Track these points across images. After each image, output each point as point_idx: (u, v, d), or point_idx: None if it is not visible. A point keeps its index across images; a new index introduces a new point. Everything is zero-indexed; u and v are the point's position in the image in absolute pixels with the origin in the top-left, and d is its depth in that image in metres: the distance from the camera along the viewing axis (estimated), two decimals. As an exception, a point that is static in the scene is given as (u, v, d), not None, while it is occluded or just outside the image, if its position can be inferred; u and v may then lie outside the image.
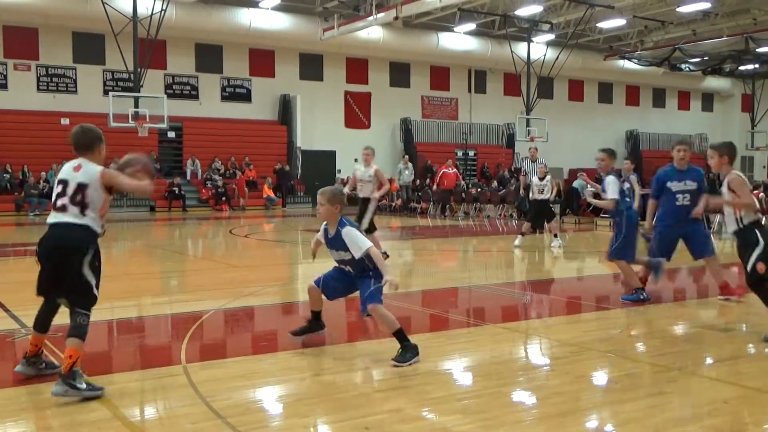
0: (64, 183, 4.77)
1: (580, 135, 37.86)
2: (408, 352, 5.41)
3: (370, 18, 27.49)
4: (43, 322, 4.93)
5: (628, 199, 8.38)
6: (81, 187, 4.73)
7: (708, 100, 44.72)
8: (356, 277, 5.67)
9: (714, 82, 42.83)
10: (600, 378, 5.26)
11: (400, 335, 5.48)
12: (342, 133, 32.60)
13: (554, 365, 5.54)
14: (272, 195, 29.05)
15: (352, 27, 28.77)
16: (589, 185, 10.47)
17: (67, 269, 4.64)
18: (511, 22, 31.24)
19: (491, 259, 13.28)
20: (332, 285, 5.89)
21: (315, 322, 6.12)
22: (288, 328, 6.32)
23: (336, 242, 5.64)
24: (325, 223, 5.72)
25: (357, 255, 5.50)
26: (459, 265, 12.35)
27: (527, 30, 31.54)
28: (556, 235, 14.75)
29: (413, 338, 5.67)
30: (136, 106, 24.60)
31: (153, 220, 23.47)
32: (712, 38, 31.62)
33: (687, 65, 35.96)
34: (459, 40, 32.77)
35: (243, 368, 5.34)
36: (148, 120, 24.57)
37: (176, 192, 27.58)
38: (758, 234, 6.27)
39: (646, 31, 33.86)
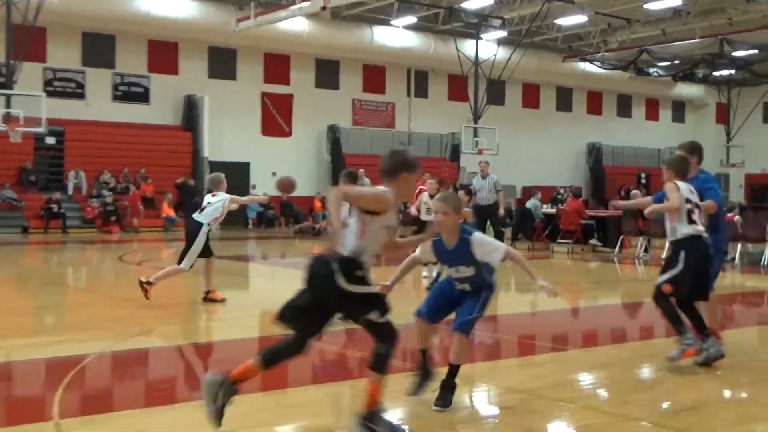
0: None
1: (536, 147, 38.64)
2: (451, 393, 5.62)
3: (293, 7, 27.58)
4: None
5: None
6: None
7: (679, 109, 46.29)
8: (466, 296, 5.64)
9: (686, 90, 44.37)
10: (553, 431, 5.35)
11: (456, 372, 5.64)
12: (258, 141, 32.49)
13: (501, 416, 5.62)
14: (172, 214, 28.66)
15: (271, 17, 28.80)
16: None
17: None
18: (458, 17, 31.81)
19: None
20: (439, 303, 5.77)
21: (426, 369, 5.78)
22: (190, 373, 6.23)
23: (457, 256, 5.54)
24: (433, 238, 5.60)
25: (498, 259, 5.42)
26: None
27: (475, 26, 32.15)
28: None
29: (349, 387, 5.64)
30: (8, 105, 24.03)
31: (25, 244, 22.88)
32: (683, 39, 32.79)
33: (655, 69, 37.19)
34: (397, 35, 33.16)
35: (132, 424, 5.24)
36: (22, 122, 24.00)
37: (55, 210, 26.96)
38: (682, 255, 6.81)
39: (610, 30, 34.89)
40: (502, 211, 18.47)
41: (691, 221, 6.87)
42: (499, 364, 7.53)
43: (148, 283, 10.28)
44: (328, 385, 6.41)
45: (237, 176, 30.92)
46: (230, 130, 31.76)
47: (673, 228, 6.94)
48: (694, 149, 7.78)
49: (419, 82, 36.66)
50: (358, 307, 4.74)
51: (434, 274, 13.73)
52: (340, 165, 33.34)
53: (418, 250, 5.84)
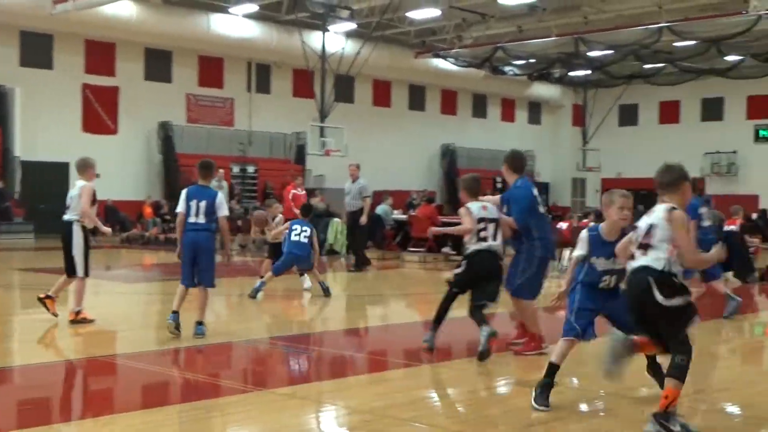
0: None
1: (387, 148, 39.26)
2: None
3: (119, -10, 26.89)
4: None
5: None
6: None
7: (535, 110, 48.16)
8: (613, 298, 6.56)
9: (542, 90, 46.19)
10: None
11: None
12: (79, 139, 31.44)
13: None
14: (-22, 221, 27.33)
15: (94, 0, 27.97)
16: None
17: None
18: (303, 6, 31.92)
19: (276, 305, 13.41)
20: (593, 319, 6.64)
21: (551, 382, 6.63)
22: (4, 405, 6.03)
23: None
24: (593, 229, 6.63)
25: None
26: (235, 315, 12.36)
27: (322, 16, 32.36)
28: (302, 273, 15.04)
29: (164, 412, 5.61)
30: None
31: None
32: (539, 38, 34.14)
33: (511, 68, 38.53)
34: (236, 24, 32.94)
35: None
36: None
37: None
38: (465, 264, 8.59)
39: (464, 25, 35.89)
40: (364, 219, 18.62)
41: (480, 239, 8.46)
42: (347, 382, 7.67)
43: (48, 298, 10.29)
44: (151, 411, 6.37)
45: (54, 178, 29.84)
46: (46, 127, 30.60)
47: (465, 244, 8.57)
48: (508, 158, 9.33)
49: (261, 77, 36.53)
50: (674, 321, 5.68)
51: (307, 285, 13.86)
52: (172, 166, 32.79)
53: (579, 250, 6.63)
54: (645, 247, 5.70)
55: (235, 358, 9.02)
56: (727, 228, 17.09)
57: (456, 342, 10.26)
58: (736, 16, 28.64)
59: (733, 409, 6.84)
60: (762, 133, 42.39)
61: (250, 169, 34.87)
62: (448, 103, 43.54)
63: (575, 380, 7.86)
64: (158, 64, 33.80)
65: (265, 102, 36.38)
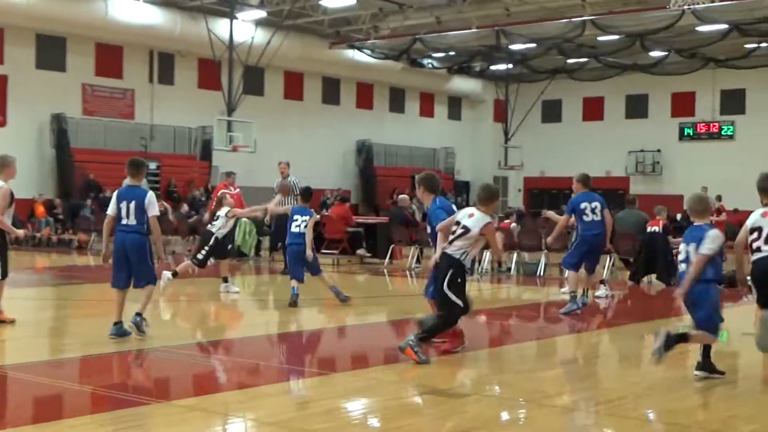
0: None
1: (299, 144, 39.12)
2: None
3: (8, -30, 26.28)
4: None
5: None
6: None
7: (455, 105, 48.61)
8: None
9: (462, 84, 46.66)
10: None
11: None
12: (-38, 132, 30.63)
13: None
14: None
15: (-21, -19, 27.26)
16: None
17: None
18: (209, -9, 31.68)
19: (191, 311, 13.30)
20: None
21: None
22: None
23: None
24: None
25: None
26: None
27: (229, 3, 32.12)
28: (225, 279, 14.95)
29: (53, 427, 5.52)
30: None
31: None
32: (459, 29, 34.48)
33: (430, 61, 38.86)
34: (136, 9, 32.45)
35: None
36: None
37: None
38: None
39: (381, 15, 36.02)
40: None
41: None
42: (257, 392, 7.66)
43: None
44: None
45: (-65, 174, 28.95)
46: (-74, 118, 29.69)
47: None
48: (424, 181, 9.84)
49: (164, 67, 36.06)
50: None
51: (234, 289, 13.85)
52: (66, 161, 32.14)
53: (711, 249, 7.88)
54: None
55: (136, 367, 8.92)
56: (649, 229, 17.56)
57: (372, 349, 10.32)
58: (660, 10, 29.39)
59: (654, 416, 7.05)
60: (687, 131, 43.58)
61: (152, 165, 34.32)
62: (364, 97, 43.64)
63: (497, 388, 8.01)
64: (51, 51, 33.08)
65: (168, 94, 35.93)
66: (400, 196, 25.60)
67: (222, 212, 14.51)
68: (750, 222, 8.53)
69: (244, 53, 32.41)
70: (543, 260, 19.77)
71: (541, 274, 19.52)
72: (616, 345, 10.81)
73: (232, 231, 16.43)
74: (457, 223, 9.12)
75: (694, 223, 8.33)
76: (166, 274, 13.63)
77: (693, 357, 10.33)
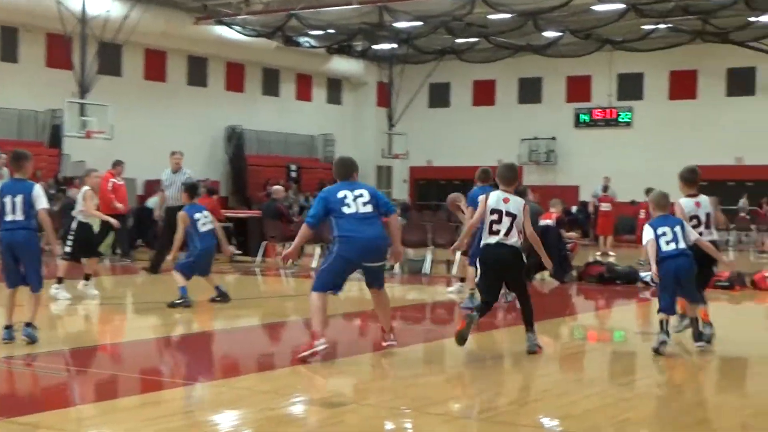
0: None
1: (162, 131, 38.57)
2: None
3: None
4: None
5: None
6: None
7: (335, 88, 48.67)
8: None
9: (342, 65, 46.70)
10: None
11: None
12: None
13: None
14: None
15: None
16: None
17: None
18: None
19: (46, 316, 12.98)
20: None
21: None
22: None
23: None
24: None
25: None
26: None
27: (82, -29, 31.46)
28: (87, 277, 14.77)
29: None
30: None
31: None
32: (338, 5, 34.50)
33: (307, 39, 38.78)
34: (-26, -23, 31.49)
35: None
36: None
37: None
38: None
39: (252, -12, 35.78)
40: None
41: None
42: (115, 405, 7.56)
43: None
44: None
45: None
46: None
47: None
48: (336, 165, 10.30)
49: (6, 42, 35.03)
50: None
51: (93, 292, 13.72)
52: None
53: None
54: None
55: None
56: (542, 222, 17.96)
57: (243, 356, 10.31)
58: (554, -13, 30.05)
59: (548, 421, 7.24)
60: (582, 117, 44.54)
61: (-7, 153, 33.43)
62: (235, 79, 43.28)
63: (378, 395, 8.09)
64: None
65: (11, 73, 34.91)
66: (274, 188, 25.52)
67: (80, 195, 14.57)
68: (687, 212, 10.74)
69: (98, 28, 31.76)
70: (429, 257, 19.98)
71: (427, 272, 19.73)
72: (508, 347, 11.03)
73: (102, 229, 16.30)
74: (498, 212, 9.88)
75: (658, 216, 10.46)
76: (83, 283, 14.20)
77: (589, 357, 10.67)
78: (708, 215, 10.89)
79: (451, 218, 22.48)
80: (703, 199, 10.92)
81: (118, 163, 21.42)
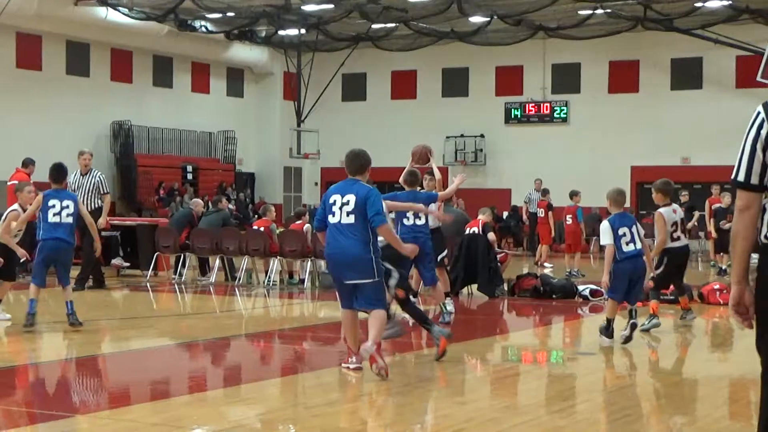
0: None
1: (36, 126, 38.06)
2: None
3: None
4: None
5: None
6: None
7: (236, 79, 48.39)
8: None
9: (244, 53, 46.48)
10: None
11: None
12: None
13: None
14: None
15: None
16: None
17: None
18: None
19: None
20: None
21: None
22: None
23: None
24: None
25: None
26: None
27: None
28: None
29: None
30: None
31: None
32: (239, -15, 34.45)
33: (203, 24, 38.56)
34: None
35: None
36: None
37: None
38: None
39: (141, -35, 35.50)
40: (103, 222, 18.17)
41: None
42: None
43: None
44: None
45: None
46: None
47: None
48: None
49: None
50: None
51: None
52: None
53: None
54: None
55: None
56: (468, 231, 18.09)
57: (132, 383, 10.20)
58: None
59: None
60: (514, 112, 44.90)
61: None
62: (121, 68, 42.81)
63: (284, 425, 8.06)
64: None
65: None
66: (194, 200, 25.33)
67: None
68: (668, 220, 13.23)
69: (-38, 9, 31.22)
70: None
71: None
72: (430, 371, 11.07)
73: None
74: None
75: (614, 213, 12.11)
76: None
77: (522, 381, 10.78)
78: (682, 220, 13.60)
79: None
80: (676, 206, 13.63)
81: (30, 163, 21.34)
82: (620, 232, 11.76)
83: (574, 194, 24.54)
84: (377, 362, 9.73)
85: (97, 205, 18.47)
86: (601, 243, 12.17)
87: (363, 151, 10.62)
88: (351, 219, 9.84)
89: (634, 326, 12.07)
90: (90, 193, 18.61)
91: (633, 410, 9.13)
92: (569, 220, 24.53)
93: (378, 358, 9.74)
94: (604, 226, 11.96)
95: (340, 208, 9.91)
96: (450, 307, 14.36)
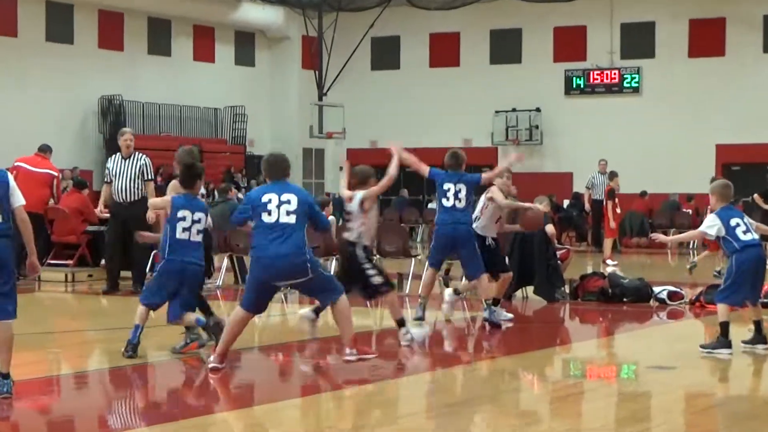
0: None
1: (13, 101, 38.20)
2: None
3: None
4: None
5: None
6: None
7: (246, 44, 48.24)
8: None
9: (256, 13, 46.34)
10: None
11: None
12: None
13: None
14: None
15: None
16: None
17: None
18: None
19: None
20: None
21: None
22: None
23: None
24: None
25: None
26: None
27: None
28: None
29: None
30: None
31: None
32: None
33: (207, -21, 38.55)
34: None
35: None
36: None
37: None
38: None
39: None
40: (152, 215, 18.43)
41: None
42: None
43: None
44: None
45: None
46: None
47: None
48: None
49: None
50: None
51: None
52: None
53: None
54: None
55: None
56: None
57: (129, 404, 10.23)
58: None
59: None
60: (576, 81, 44.59)
61: None
62: (110, 33, 42.86)
63: None
64: None
65: None
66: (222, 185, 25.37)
67: None
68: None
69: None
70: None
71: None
72: (480, 388, 11.05)
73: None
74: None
75: (722, 207, 12.40)
76: None
77: (587, 400, 10.74)
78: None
79: (402, 218, 22.44)
80: None
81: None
82: (732, 222, 12.15)
83: (713, 180, 23.74)
84: (368, 355, 11.39)
85: (142, 194, 18.58)
86: (709, 232, 12.42)
87: (284, 156, 11.49)
88: (291, 219, 10.70)
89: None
90: (134, 181, 18.80)
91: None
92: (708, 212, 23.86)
93: (365, 351, 11.41)
94: (710, 218, 12.52)
95: (278, 207, 10.72)
96: (497, 315, 14.78)
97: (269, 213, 10.65)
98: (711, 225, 12.23)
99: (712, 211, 12.74)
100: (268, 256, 10.70)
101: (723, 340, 12.21)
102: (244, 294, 11.18)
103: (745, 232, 12.10)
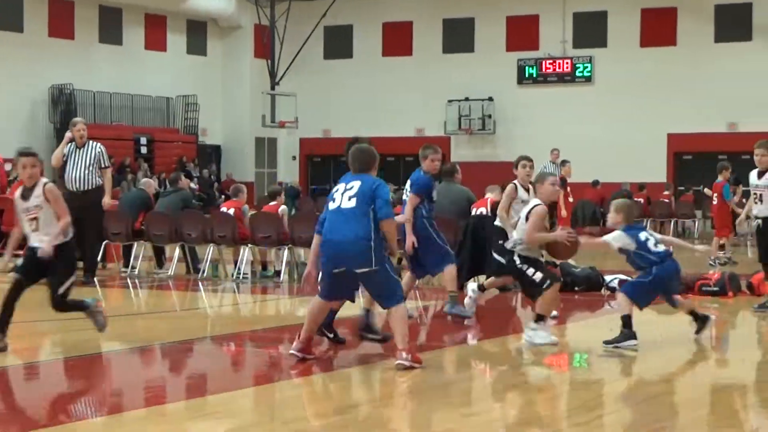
0: None
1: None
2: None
3: None
4: None
5: None
6: None
7: (198, 33, 48.13)
8: None
9: (207, 2, 46.24)
10: None
11: None
12: None
13: None
14: None
15: None
16: None
17: None
18: None
19: None
20: None
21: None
22: None
23: None
24: None
25: None
26: None
27: None
28: None
29: None
30: None
31: None
32: None
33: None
34: None
35: None
36: None
37: None
38: None
39: None
40: (108, 201, 18.62)
41: None
42: None
43: None
44: None
45: None
46: None
47: None
48: None
49: None
50: None
51: None
52: None
53: None
54: None
55: None
56: (475, 211, 17.99)
57: (79, 396, 10.19)
58: None
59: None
60: (528, 71, 44.77)
61: None
62: (60, 21, 42.67)
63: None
64: None
65: None
66: (144, 180, 25.34)
67: None
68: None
69: None
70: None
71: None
72: (433, 377, 11.06)
73: None
74: None
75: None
76: None
77: (541, 390, 10.79)
78: None
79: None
80: None
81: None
82: (642, 237, 12.33)
83: (724, 168, 23.75)
84: (417, 364, 10.74)
85: (97, 183, 18.55)
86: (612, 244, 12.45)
87: (369, 148, 11.15)
88: (352, 203, 10.56)
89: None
90: (88, 169, 18.71)
91: (670, 422, 9.13)
92: (715, 199, 23.80)
93: (417, 359, 10.81)
94: (617, 233, 12.50)
95: (343, 193, 10.66)
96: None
97: (333, 200, 10.73)
98: (617, 237, 12.32)
99: (615, 227, 12.66)
100: (333, 241, 10.64)
101: (627, 332, 12.17)
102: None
103: (655, 245, 12.24)
